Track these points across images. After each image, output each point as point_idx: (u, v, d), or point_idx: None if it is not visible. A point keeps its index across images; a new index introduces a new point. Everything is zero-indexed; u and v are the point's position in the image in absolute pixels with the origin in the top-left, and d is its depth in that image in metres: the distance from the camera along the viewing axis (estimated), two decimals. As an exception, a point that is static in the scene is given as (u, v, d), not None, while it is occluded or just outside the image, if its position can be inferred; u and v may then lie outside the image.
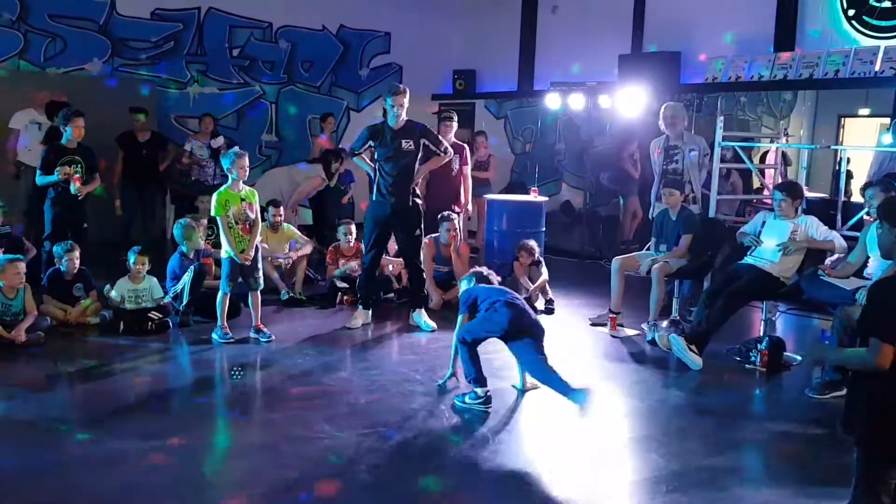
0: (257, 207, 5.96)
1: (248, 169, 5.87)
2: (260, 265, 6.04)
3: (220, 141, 9.14)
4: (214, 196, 5.81)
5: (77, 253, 6.26)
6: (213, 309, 6.39)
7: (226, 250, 5.82)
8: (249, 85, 11.14)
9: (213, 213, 5.79)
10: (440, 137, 6.51)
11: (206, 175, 8.99)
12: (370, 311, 6.51)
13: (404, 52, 12.21)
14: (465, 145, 8.26)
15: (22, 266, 5.77)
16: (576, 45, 10.31)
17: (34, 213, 7.41)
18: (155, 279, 6.32)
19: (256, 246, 5.96)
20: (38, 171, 6.82)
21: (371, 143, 6.25)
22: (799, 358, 5.75)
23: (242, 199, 5.82)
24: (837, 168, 7.15)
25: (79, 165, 6.78)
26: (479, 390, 4.66)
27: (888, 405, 2.65)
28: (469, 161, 8.18)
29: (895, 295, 2.67)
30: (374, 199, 6.32)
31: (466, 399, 4.67)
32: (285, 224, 7.69)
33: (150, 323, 6.05)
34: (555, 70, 10.53)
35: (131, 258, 6.24)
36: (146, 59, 10.29)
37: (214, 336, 5.89)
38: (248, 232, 5.86)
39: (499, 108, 11.89)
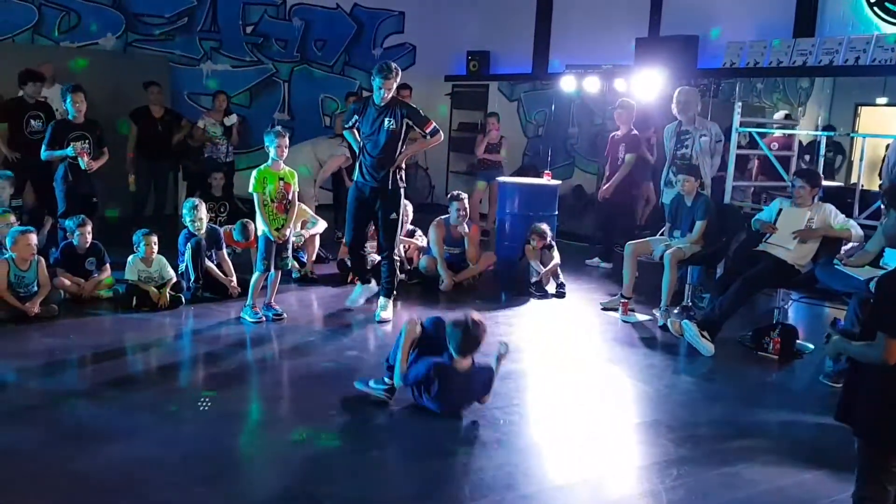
0: (295, 188, 5.91)
1: (287, 149, 5.80)
2: (290, 246, 6.03)
3: (233, 119, 9.12)
4: (254, 173, 5.78)
5: (89, 227, 6.27)
6: (220, 286, 6.43)
7: (261, 229, 5.81)
8: (262, 63, 11.10)
9: (250, 190, 5.75)
10: (428, 119, 6.03)
11: (219, 153, 8.96)
12: (370, 285, 6.34)
13: (418, 32, 12.14)
14: None
15: (33, 238, 5.79)
16: (592, 28, 10.20)
17: (24, 187, 7.35)
18: (164, 259, 6.30)
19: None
20: (43, 146, 6.76)
21: (356, 118, 6.01)
22: (811, 346, 5.72)
23: (280, 179, 5.79)
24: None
25: (86, 141, 6.76)
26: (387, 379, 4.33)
27: (892, 397, 2.62)
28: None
29: None
30: (355, 178, 6.11)
31: (371, 384, 4.36)
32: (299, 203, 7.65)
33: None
34: (570, 53, 10.44)
35: (139, 241, 6.13)
36: (160, 35, 10.27)
37: (244, 315, 5.88)
38: (283, 211, 5.83)
39: (512, 90, 11.81)
